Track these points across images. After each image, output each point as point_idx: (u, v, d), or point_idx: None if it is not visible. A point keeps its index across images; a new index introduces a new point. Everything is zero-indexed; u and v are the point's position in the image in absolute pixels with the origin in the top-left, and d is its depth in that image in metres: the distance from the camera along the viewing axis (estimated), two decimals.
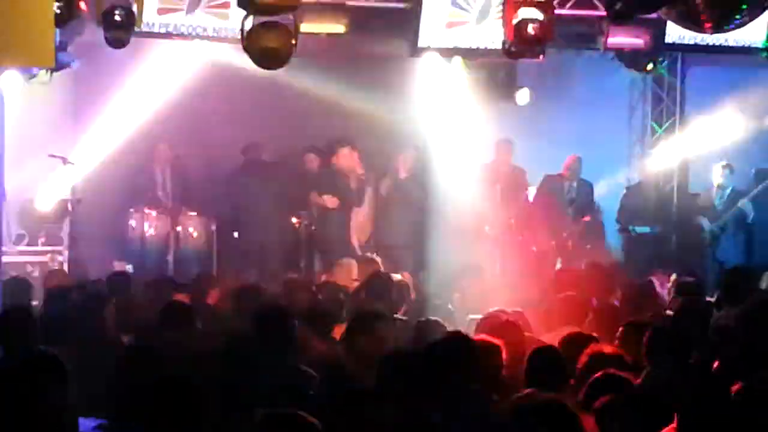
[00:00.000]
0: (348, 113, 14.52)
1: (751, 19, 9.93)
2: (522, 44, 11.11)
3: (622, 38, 12.88)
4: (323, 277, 12.17)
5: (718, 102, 15.06)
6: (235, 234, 14.43)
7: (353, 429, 5.56)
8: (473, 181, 14.91)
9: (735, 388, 5.51)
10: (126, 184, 14.26)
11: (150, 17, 11.59)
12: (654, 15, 11.00)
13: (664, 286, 10.87)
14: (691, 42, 12.70)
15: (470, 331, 7.47)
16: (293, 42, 10.60)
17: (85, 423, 5.35)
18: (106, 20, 10.83)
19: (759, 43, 12.91)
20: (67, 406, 4.96)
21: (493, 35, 12.08)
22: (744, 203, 14.66)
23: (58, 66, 10.90)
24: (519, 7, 10.86)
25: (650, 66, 13.80)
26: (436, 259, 14.41)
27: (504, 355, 6.63)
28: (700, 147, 15.38)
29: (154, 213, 13.99)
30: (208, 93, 13.95)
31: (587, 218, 14.68)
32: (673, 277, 10.95)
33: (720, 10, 9.47)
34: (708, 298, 9.88)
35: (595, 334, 7.61)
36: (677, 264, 13.49)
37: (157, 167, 14.34)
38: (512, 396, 6.14)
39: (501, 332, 7.10)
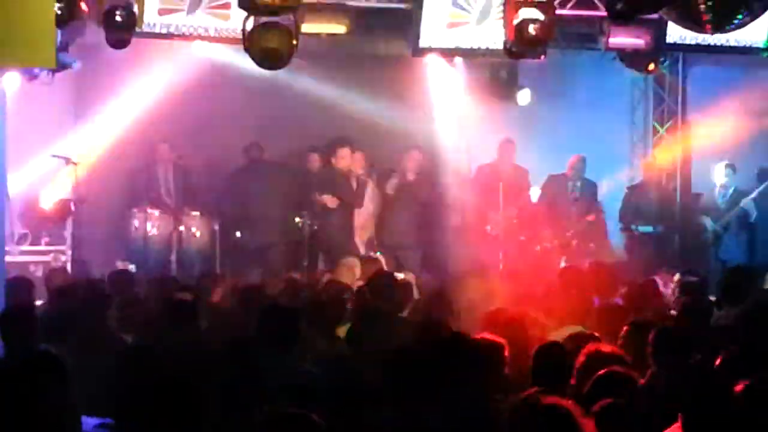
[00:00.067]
0: (349, 113, 14.54)
1: (752, 20, 9.93)
2: (523, 44, 11.11)
3: (623, 38, 12.87)
4: (326, 277, 12.17)
5: (719, 102, 15.07)
6: (238, 234, 14.43)
7: (356, 429, 5.56)
8: (476, 180, 14.94)
9: (738, 388, 5.50)
10: (128, 184, 14.30)
11: (151, 18, 11.61)
12: (655, 15, 11.02)
13: (668, 285, 10.86)
14: (693, 42, 12.71)
15: (473, 330, 7.46)
16: (294, 42, 10.62)
17: (88, 421, 5.35)
18: (107, 21, 10.86)
19: (760, 43, 12.93)
20: (67, 406, 4.96)
21: (494, 35, 12.09)
22: (746, 203, 14.66)
23: (60, 66, 10.91)
24: (520, 8, 10.86)
25: (651, 66, 13.81)
26: (440, 259, 14.43)
27: (506, 353, 6.63)
28: (702, 146, 15.40)
29: (156, 213, 13.99)
30: (209, 93, 13.98)
31: (591, 217, 14.69)
32: (677, 276, 10.94)
33: (721, 11, 9.47)
34: (711, 298, 9.88)
35: (597, 334, 7.62)
36: (680, 263, 13.50)
37: (159, 167, 14.35)
38: (515, 395, 6.13)
39: (504, 330, 7.10)
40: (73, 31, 11.38)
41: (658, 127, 15.95)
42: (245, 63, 11.25)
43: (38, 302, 10.18)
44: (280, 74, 12.07)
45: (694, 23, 9.88)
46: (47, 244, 13.62)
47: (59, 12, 9.54)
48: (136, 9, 10.95)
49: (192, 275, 12.46)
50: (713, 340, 7.52)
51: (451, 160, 15.21)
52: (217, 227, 14.26)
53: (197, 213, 14.18)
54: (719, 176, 14.83)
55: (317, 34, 12.41)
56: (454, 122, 15.06)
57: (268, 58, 10.72)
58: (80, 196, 13.44)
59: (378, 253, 13.87)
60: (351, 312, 9.08)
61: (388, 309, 8.86)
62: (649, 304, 9.36)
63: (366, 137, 14.70)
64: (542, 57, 12.41)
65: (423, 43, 12.47)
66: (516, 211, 14.57)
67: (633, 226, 15.04)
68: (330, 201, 14.25)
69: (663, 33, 12.75)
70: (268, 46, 10.56)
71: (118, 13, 10.77)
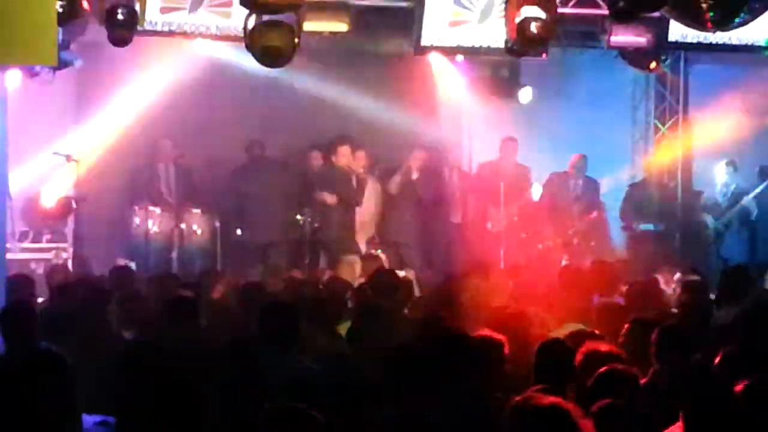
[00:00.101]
0: (350, 111, 14.54)
1: (753, 18, 9.93)
2: (524, 43, 11.08)
3: (624, 36, 12.88)
4: (327, 274, 12.17)
5: (720, 100, 15.07)
6: (239, 231, 14.43)
7: (357, 426, 5.56)
8: (477, 178, 14.95)
9: (738, 388, 5.50)
10: (130, 181, 14.30)
11: (153, 16, 11.62)
12: (656, 13, 11.01)
13: (669, 283, 10.86)
14: (694, 40, 12.71)
15: (474, 328, 7.46)
16: (296, 40, 10.62)
17: (89, 419, 5.34)
18: (108, 19, 10.84)
19: (762, 41, 12.93)
20: (68, 404, 4.95)
21: (495, 34, 12.09)
22: (748, 200, 14.67)
23: (61, 64, 10.89)
24: (521, 6, 10.84)
25: (653, 64, 13.81)
26: (441, 257, 14.43)
27: (507, 351, 6.62)
28: (703, 145, 15.40)
29: (157, 210, 13.99)
30: (210, 91, 13.99)
31: (592, 216, 14.70)
32: (678, 274, 10.94)
33: (722, 9, 9.47)
34: (712, 296, 9.88)
35: (598, 332, 7.61)
36: (681, 261, 13.50)
37: (161, 165, 14.34)
38: (516, 392, 6.12)
39: (505, 327, 7.10)
40: (75, 29, 11.39)
41: (659, 125, 15.95)
42: (247, 61, 11.26)
43: (39, 300, 10.19)
44: (282, 72, 12.08)
45: (695, 21, 9.89)
46: (48, 241, 13.64)
47: (61, 10, 9.54)
48: (137, 7, 10.95)
49: (193, 273, 12.47)
50: (713, 339, 7.52)
51: (453, 158, 15.23)
52: (218, 225, 14.26)
53: (198, 210, 14.18)
54: (720, 174, 14.85)
55: (319, 32, 12.40)
56: (456, 120, 15.07)
57: (269, 56, 10.72)
58: (81, 193, 13.43)
59: (379, 251, 13.88)
60: (352, 309, 9.08)
61: (389, 306, 8.85)
62: (650, 302, 9.35)
63: (367, 135, 14.71)
64: (544, 55, 12.42)
65: (425, 41, 12.47)
66: (517, 209, 14.58)
67: (634, 225, 15.05)
68: (329, 198, 14.25)
69: (665, 31, 12.75)
70: (270, 44, 10.56)
71: (119, 11, 10.76)
